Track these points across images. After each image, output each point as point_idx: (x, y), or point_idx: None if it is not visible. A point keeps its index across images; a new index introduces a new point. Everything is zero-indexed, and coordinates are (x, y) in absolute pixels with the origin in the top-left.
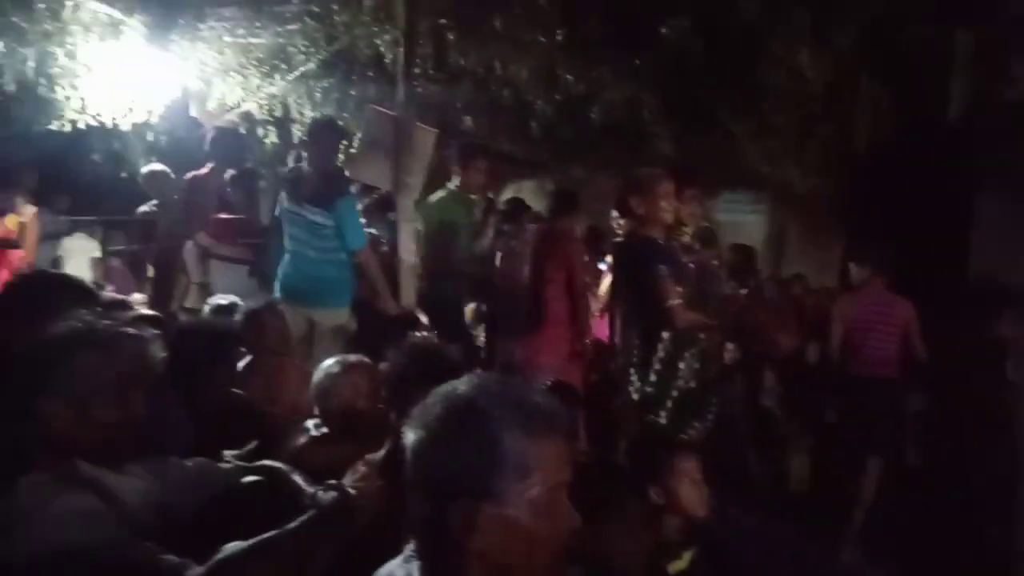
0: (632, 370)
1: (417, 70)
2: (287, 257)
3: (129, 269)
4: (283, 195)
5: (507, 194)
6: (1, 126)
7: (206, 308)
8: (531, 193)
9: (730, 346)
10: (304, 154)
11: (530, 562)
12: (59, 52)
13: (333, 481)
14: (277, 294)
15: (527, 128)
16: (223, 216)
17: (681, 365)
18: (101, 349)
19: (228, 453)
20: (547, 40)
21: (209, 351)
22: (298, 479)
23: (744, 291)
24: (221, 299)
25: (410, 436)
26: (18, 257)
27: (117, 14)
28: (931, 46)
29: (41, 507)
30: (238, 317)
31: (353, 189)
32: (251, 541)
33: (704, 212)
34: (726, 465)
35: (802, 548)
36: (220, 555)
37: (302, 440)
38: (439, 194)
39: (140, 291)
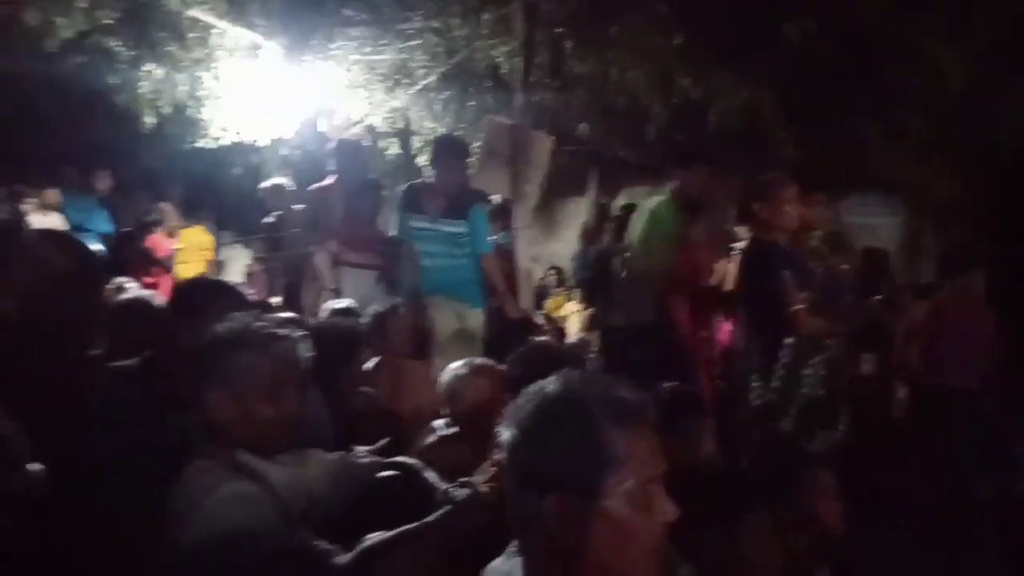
0: (754, 376)
1: (533, 79)
2: (426, 270)
3: (266, 275)
4: (406, 215)
5: (621, 200)
6: (157, 145)
7: (323, 312)
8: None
9: (868, 356)
10: (433, 170)
11: (627, 555)
12: (207, 76)
13: (465, 479)
14: (426, 292)
15: (642, 133)
16: (351, 225)
17: (806, 372)
18: (257, 348)
19: (360, 449)
20: (664, 45)
21: (336, 352)
22: (430, 476)
23: (877, 298)
24: (338, 303)
25: (504, 435)
26: (171, 269)
27: (258, 38)
28: None
29: (209, 492)
30: (364, 320)
31: None
32: (393, 532)
33: (833, 216)
34: (859, 479)
35: (936, 569)
36: (365, 544)
37: (431, 439)
38: (655, 199)
39: (273, 296)
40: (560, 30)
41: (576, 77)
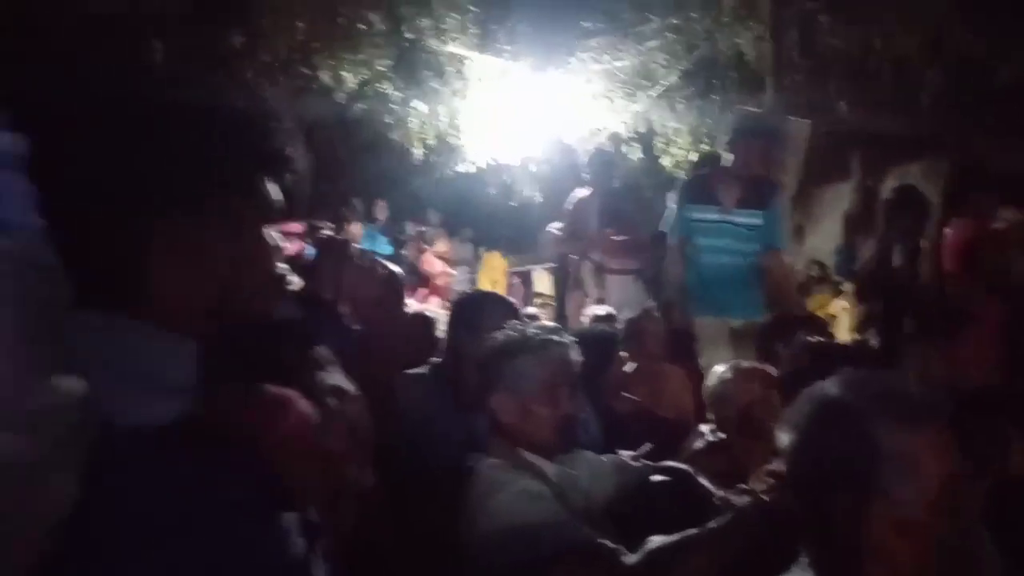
0: None
1: (784, 62)
2: (707, 269)
3: (523, 285)
4: (690, 206)
5: (890, 182)
6: (424, 174)
7: (584, 319)
8: (920, 177)
9: None
10: (730, 157)
11: (924, 558)
12: (463, 105)
13: (744, 486)
14: (696, 307)
15: (912, 103)
16: (611, 233)
17: None
18: (534, 353)
19: (624, 453)
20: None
21: (593, 358)
22: (704, 481)
23: None
24: (599, 310)
25: (783, 438)
26: (440, 285)
27: (505, 63)
28: None
29: (500, 488)
30: (619, 326)
31: None
32: (676, 536)
33: None
34: None
35: None
36: (650, 546)
37: (699, 444)
38: None
39: (529, 305)
40: (812, 4)
41: (833, 52)
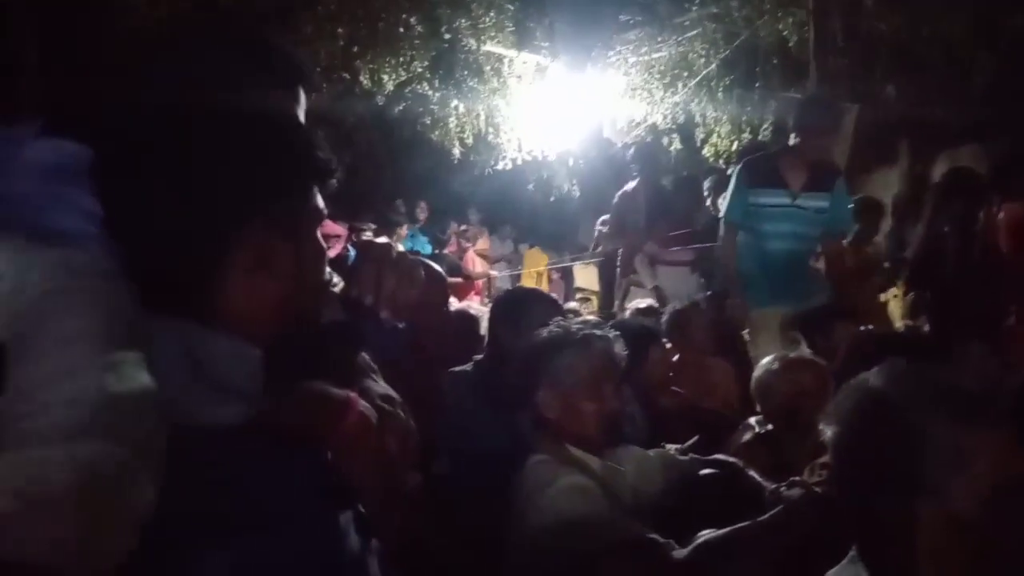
0: None
1: (827, 47)
2: (772, 257)
3: (562, 280)
4: (753, 190)
5: (940, 167)
6: (463, 172)
7: (626, 312)
8: (969, 162)
9: None
10: (797, 140)
11: (984, 562)
12: (502, 103)
13: (796, 478)
14: (755, 297)
15: (963, 88)
16: (660, 224)
17: None
18: (578, 349)
19: (671, 447)
20: None
21: (628, 351)
22: (754, 474)
23: None
24: (640, 303)
25: (827, 432)
26: (479, 284)
27: (543, 60)
28: None
29: (547, 484)
30: (664, 318)
31: None
32: (727, 530)
33: None
34: None
35: None
36: (700, 540)
37: (747, 437)
38: None
39: (570, 300)
40: None
41: (878, 37)
